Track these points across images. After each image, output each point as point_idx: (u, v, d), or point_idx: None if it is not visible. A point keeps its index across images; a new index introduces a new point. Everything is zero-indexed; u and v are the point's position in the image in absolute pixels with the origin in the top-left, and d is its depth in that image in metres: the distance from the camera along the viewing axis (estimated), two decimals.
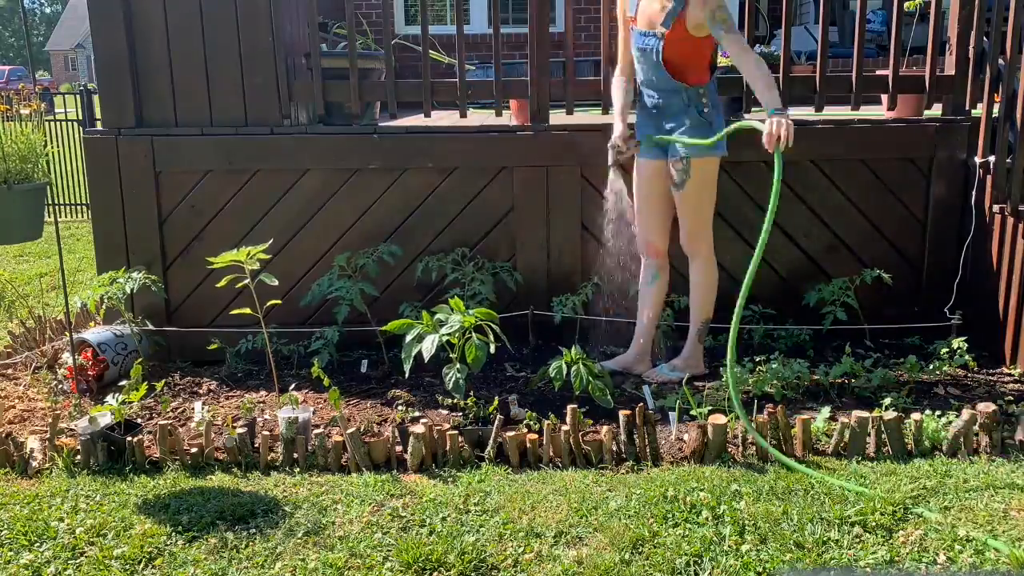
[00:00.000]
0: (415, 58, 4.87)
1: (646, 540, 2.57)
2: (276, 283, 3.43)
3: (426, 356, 3.22)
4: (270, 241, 3.69)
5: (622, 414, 3.14)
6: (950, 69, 4.26)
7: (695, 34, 3.53)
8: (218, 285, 3.49)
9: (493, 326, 3.34)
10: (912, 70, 4.47)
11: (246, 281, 3.41)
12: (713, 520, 2.67)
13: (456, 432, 3.13)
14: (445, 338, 3.27)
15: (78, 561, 2.55)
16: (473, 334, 3.31)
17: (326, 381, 3.29)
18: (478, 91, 4.38)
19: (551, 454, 3.11)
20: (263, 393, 3.82)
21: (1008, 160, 3.96)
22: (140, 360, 3.65)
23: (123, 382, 3.50)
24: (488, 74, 4.99)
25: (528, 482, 2.96)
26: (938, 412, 3.32)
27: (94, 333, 4.02)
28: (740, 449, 3.15)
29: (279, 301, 3.55)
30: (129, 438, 3.16)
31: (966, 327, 4.04)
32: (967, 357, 3.82)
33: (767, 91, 3.37)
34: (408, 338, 3.31)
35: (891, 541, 2.56)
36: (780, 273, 4.34)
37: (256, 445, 3.18)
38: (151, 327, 4.19)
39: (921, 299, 4.34)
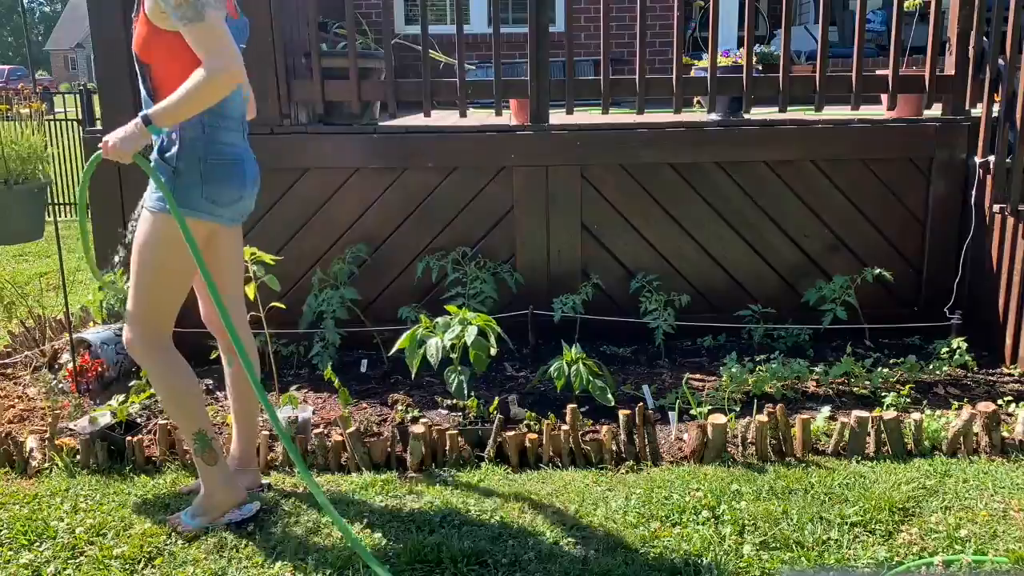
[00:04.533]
0: (415, 58, 4.87)
1: (646, 540, 2.57)
2: (278, 288, 3.42)
3: (434, 362, 3.23)
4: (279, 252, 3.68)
5: (622, 414, 3.14)
6: (950, 69, 4.26)
7: (161, 25, 2.42)
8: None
9: (495, 327, 3.35)
10: (912, 70, 4.47)
11: (254, 283, 3.40)
12: (713, 520, 2.67)
13: (456, 432, 3.13)
14: (449, 342, 3.28)
15: (78, 561, 2.55)
16: (475, 335, 3.31)
17: (337, 384, 3.30)
18: (478, 91, 4.38)
19: (551, 454, 3.11)
20: None
21: (1008, 160, 3.96)
22: None
23: (129, 383, 3.50)
24: (488, 73, 4.99)
25: (528, 482, 2.96)
26: (938, 412, 3.32)
27: (94, 333, 4.01)
28: (740, 449, 3.15)
29: (282, 305, 3.54)
30: (129, 438, 3.15)
31: (966, 327, 4.04)
32: (967, 357, 3.82)
33: (165, 100, 2.39)
34: (410, 344, 3.32)
35: (891, 541, 2.56)
36: (780, 273, 4.34)
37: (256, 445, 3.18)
38: None
39: (921, 299, 4.34)
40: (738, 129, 4.26)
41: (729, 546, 2.53)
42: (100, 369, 3.89)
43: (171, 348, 2.72)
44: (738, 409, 3.46)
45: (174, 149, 2.51)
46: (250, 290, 3.40)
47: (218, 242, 2.69)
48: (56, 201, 8.79)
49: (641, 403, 3.28)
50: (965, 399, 3.52)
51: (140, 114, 2.41)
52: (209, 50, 2.35)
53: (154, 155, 2.55)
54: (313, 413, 3.49)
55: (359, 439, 3.11)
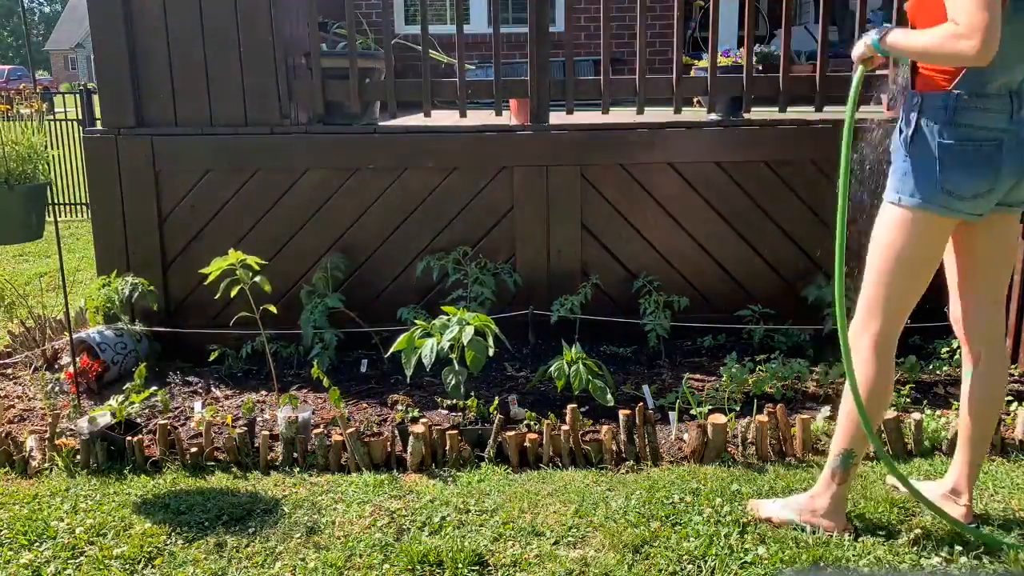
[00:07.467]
0: (415, 58, 4.87)
1: (647, 540, 2.57)
2: (269, 289, 3.41)
3: (427, 364, 3.23)
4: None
5: (622, 414, 3.14)
6: None
7: None
8: (217, 297, 3.45)
9: (493, 327, 3.34)
10: None
11: (241, 286, 3.39)
12: (713, 520, 2.67)
13: (456, 432, 3.13)
14: (448, 343, 3.27)
15: (78, 561, 2.55)
16: (471, 335, 3.31)
17: (326, 382, 3.29)
18: (478, 91, 4.38)
19: (551, 454, 3.11)
20: (263, 393, 3.82)
21: None
22: (146, 363, 3.64)
23: (127, 384, 3.50)
24: (488, 73, 4.99)
25: (528, 482, 2.96)
26: (938, 412, 3.32)
27: (94, 333, 4.01)
28: (740, 449, 3.15)
29: (274, 309, 3.51)
30: (129, 438, 3.16)
31: None
32: None
33: (911, 31, 2.27)
34: (408, 345, 3.32)
35: (891, 541, 2.55)
36: (780, 273, 4.34)
37: (256, 445, 3.18)
38: (150, 328, 4.19)
39: (921, 298, 4.33)
40: (738, 129, 4.26)
41: (729, 546, 2.53)
42: (100, 369, 3.89)
43: (891, 350, 2.51)
44: (738, 409, 3.46)
45: (908, 130, 2.32)
46: (234, 291, 3.40)
47: (974, 232, 2.44)
48: (56, 201, 8.79)
49: (641, 403, 3.28)
50: None
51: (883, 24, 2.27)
52: (956, 7, 2.04)
53: (896, 137, 2.39)
54: (313, 413, 3.49)
55: (359, 439, 3.11)
